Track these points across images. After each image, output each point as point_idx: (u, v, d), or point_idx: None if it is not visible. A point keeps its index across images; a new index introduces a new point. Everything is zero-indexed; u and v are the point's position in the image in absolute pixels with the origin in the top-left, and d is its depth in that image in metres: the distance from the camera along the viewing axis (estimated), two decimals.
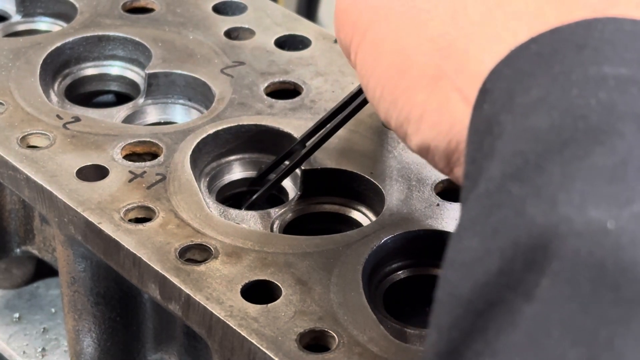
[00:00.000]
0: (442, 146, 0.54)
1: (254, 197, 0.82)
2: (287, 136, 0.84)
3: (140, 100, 0.92)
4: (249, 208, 0.81)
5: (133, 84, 0.96)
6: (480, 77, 0.51)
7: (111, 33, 0.96)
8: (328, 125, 0.80)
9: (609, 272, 0.39)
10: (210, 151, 0.85)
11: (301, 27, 0.98)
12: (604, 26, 0.48)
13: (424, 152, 0.56)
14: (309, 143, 0.80)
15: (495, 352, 0.41)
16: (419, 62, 0.55)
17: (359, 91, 0.78)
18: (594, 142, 0.43)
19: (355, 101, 0.78)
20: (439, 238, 0.76)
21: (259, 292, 0.70)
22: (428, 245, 0.76)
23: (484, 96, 0.50)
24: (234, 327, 0.67)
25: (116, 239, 0.73)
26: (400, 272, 0.77)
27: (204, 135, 0.84)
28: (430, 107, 0.55)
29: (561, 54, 0.48)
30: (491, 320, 0.42)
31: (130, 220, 0.75)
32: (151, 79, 0.92)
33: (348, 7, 0.62)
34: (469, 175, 0.49)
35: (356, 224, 0.81)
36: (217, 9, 1.00)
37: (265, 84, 0.90)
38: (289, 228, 0.80)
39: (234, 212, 0.80)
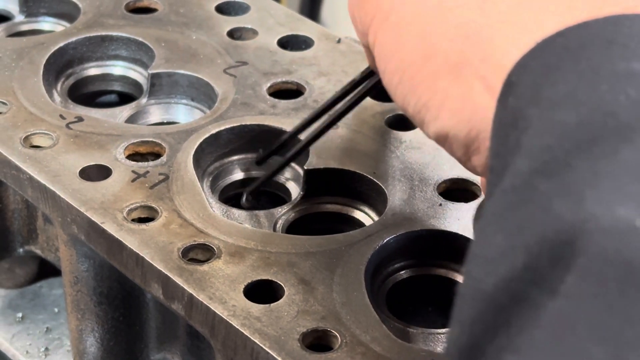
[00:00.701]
0: (462, 135, 0.54)
1: (250, 189, 0.81)
2: (290, 136, 0.84)
3: (143, 100, 0.93)
4: (250, 205, 0.81)
5: (136, 84, 0.96)
6: (505, 68, 0.50)
7: (114, 33, 0.96)
8: (326, 118, 0.79)
9: (636, 270, 0.39)
10: (213, 151, 0.85)
11: (304, 27, 0.98)
12: (632, 22, 0.48)
13: (442, 139, 0.56)
14: (307, 136, 0.79)
15: (518, 348, 0.41)
16: (443, 49, 0.55)
17: (358, 82, 0.77)
18: (623, 139, 0.43)
19: (355, 91, 0.77)
20: (442, 238, 0.76)
21: (262, 292, 0.70)
22: (431, 245, 0.76)
23: (509, 89, 0.49)
24: (237, 327, 0.67)
25: (119, 238, 0.73)
26: (402, 271, 0.77)
27: (207, 135, 0.84)
28: (452, 94, 0.54)
29: (589, 48, 0.47)
30: (514, 315, 0.42)
31: (133, 220, 0.75)
32: (154, 79, 0.92)
33: None
34: (494, 169, 0.48)
35: (359, 224, 0.81)
36: (220, 9, 1.01)
37: (268, 84, 0.90)
38: (292, 228, 0.80)
39: (236, 211, 0.80)
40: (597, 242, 0.40)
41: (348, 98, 0.77)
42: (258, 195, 0.82)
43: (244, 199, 0.80)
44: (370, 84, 0.76)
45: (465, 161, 0.56)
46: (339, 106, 0.78)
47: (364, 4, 0.61)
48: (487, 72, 0.53)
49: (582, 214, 0.41)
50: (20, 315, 0.96)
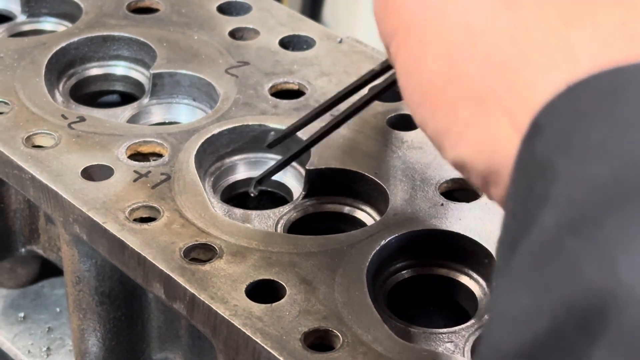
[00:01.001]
0: (481, 167, 0.51)
1: (259, 176, 0.80)
2: (292, 136, 0.84)
3: (145, 100, 0.93)
4: (258, 192, 0.81)
5: (138, 84, 0.96)
6: (533, 106, 0.47)
7: (116, 33, 0.96)
8: (348, 107, 0.77)
9: None
10: (215, 151, 0.85)
11: (306, 27, 0.98)
12: None
13: (459, 167, 0.53)
14: (327, 124, 0.78)
15: None
16: (468, 75, 0.51)
17: (378, 73, 0.75)
18: None
19: (378, 81, 0.75)
20: (443, 238, 0.76)
21: (264, 292, 0.70)
22: (432, 245, 0.76)
23: (536, 132, 0.46)
24: (239, 327, 0.67)
25: (121, 238, 0.73)
26: (404, 271, 0.77)
27: (209, 135, 0.84)
28: (474, 124, 0.51)
29: (624, 95, 0.44)
30: None
31: (135, 220, 0.75)
32: (156, 79, 0.92)
33: None
34: (518, 217, 0.46)
35: (360, 224, 0.81)
36: (222, 9, 1.01)
37: (270, 84, 0.90)
38: (294, 228, 0.80)
39: (238, 211, 0.80)
40: (629, 314, 0.37)
41: (372, 86, 0.75)
42: (260, 195, 0.82)
43: (251, 187, 0.80)
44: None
45: (482, 190, 0.53)
46: (363, 94, 0.76)
47: (388, 14, 0.57)
48: (513, 107, 0.49)
49: (613, 279, 0.38)
50: (22, 315, 0.96)
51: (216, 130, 0.84)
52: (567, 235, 0.41)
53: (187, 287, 0.70)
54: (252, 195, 0.80)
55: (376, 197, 0.81)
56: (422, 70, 0.54)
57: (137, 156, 0.82)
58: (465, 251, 0.76)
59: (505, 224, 0.47)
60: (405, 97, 0.56)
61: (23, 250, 0.93)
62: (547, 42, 0.49)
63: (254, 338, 0.66)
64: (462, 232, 0.76)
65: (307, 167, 0.81)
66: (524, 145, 0.47)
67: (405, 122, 0.86)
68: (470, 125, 0.51)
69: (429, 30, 0.54)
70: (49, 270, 0.98)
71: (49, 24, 1.03)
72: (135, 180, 0.79)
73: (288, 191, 0.86)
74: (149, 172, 0.80)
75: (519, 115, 0.48)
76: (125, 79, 0.97)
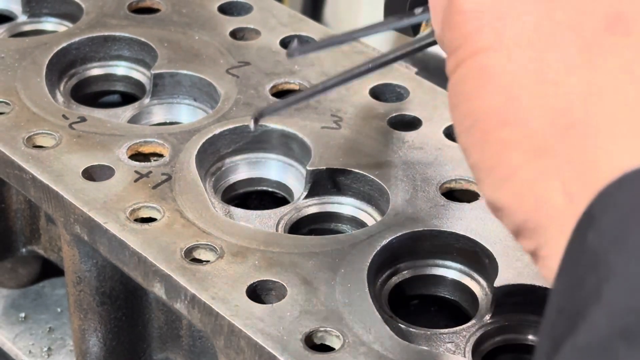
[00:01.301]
0: (518, 218, 0.48)
1: (259, 111, 0.77)
2: (293, 137, 0.84)
3: (146, 101, 0.93)
4: (256, 207, 0.81)
5: (139, 84, 0.96)
6: (590, 186, 0.44)
7: (117, 33, 0.96)
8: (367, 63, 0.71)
9: None
10: (216, 151, 0.85)
11: (307, 27, 0.98)
12: None
13: (494, 209, 0.50)
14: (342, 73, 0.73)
15: None
16: (528, 123, 0.48)
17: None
18: None
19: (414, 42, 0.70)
20: (444, 238, 0.76)
21: (265, 292, 0.70)
22: (433, 245, 0.76)
23: (590, 222, 0.43)
24: (240, 327, 0.67)
25: (122, 238, 0.73)
26: (405, 271, 0.77)
27: (210, 136, 0.84)
28: (522, 176, 0.48)
29: None
30: None
31: (135, 220, 0.75)
32: (157, 79, 0.92)
33: (473, 8, 0.51)
34: (565, 311, 0.43)
35: (361, 224, 0.81)
36: (223, 9, 1.01)
37: (271, 84, 0.90)
38: (294, 228, 0.80)
39: (239, 212, 0.80)
40: None
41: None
42: (261, 195, 0.82)
43: (251, 123, 0.76)
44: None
45: (513, 235, 0.51)
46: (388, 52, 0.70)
47: (454, 27, 0.52)
48: (569, 177, 0.46)
49: None
50: (23, 315, 0.96)
51: (217, 131, 0.84)
52: (621, 342, 0.39)
53: (188, 287, 0.70)
54: (251, 130, 0.77)
55: (377, 197, 0.81)
56: (479, 100, 0.50)
57: (138, 156, 0.82)
58: (466, 251, 0.76)
59: (550, 316, 0.44)
60: (454, 116, 0.52)
61: (24, 250, 0.93)
62: (618, 116, 0.45)
63: (254, 338, 0.66)
64: (462, 232, 0.76)
65: (307, 167, 0.81)
66: (575, 235, 0.44)
67: (406, 123, 0.86)
68: (517, 174, 0.48)
69: (496, 62, 0.50)
70: (49, 270, 0.98)
71: (50, 24, 1.03)
72: (136, 181, 0.79)
73: (289, 191, 0.86)
74: (150, 172, 0.80)
75: (574, 188, 0.45)
76: (126, 79, 0.97)
